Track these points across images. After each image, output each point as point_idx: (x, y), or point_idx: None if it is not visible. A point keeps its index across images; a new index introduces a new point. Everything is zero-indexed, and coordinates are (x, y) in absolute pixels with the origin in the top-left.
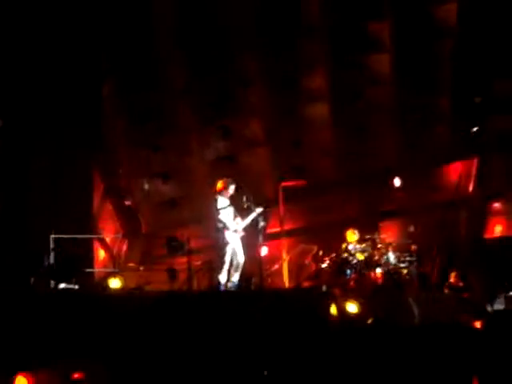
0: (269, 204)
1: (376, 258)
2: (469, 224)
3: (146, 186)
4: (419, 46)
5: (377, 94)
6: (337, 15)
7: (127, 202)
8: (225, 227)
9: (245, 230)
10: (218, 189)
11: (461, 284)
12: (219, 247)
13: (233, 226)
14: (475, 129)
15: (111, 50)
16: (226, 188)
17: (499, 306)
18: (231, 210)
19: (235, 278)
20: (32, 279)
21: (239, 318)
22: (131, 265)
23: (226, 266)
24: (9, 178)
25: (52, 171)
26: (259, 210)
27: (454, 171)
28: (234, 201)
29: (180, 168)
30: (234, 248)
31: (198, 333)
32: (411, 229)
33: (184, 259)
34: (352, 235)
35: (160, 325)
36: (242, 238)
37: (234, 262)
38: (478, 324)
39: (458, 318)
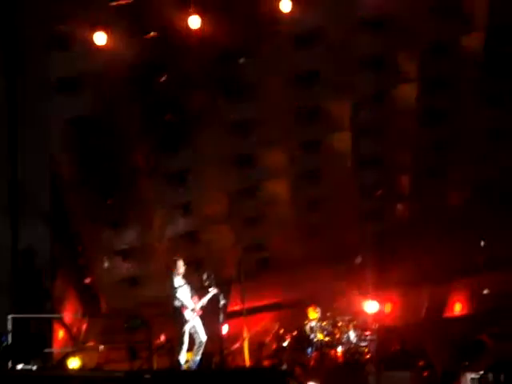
0: (230, 282)
1: (337, 336)
2: (430, 303)
3: (106, 264)
4: None
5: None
6: None
7: (87, 281)
8: (182, 306)
9: (203, 308)
10: (170, 268)
11: (421, 363)
12: (178, 326)
13: (190, 303)
14: None
15: None
16: (174, 267)
17: None
18: (187, 288)
19: (198, 356)
20: None
21: None
22: (91, 344)
23: (184, 346)
24: None
25: (10, 249)
26: (214, 290)
27: None
28: (191, 279)
29: (140, 245)
30: (195, 326)
31: None
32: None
33: (144, 337)
34: (313, 313)
35: None
36: (202, 317)
37: (197, 341)
38: None
39: None
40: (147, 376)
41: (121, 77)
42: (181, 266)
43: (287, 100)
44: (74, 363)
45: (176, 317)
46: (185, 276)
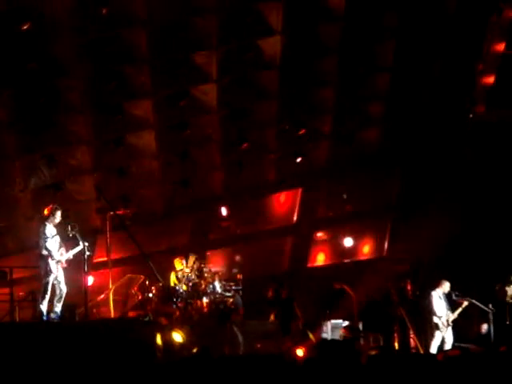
0: (95, 233)
1: (202, 286)
2: (293, 252)
3: None
4: (246, 78)
5: (203, 123)
6: (162, 45)
7: None
8: (49, 255)
9: (69, 260)
10: (44, 215)
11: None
12: (42, 276)
13: (57, 255)
14: (299, 159)
15: None
16: (52, 214)
17: (325, 334)
18: (57, 238)
19: (58, 308)
20: None
21: (64, 350)
22: None
23: (47, 296)
24: None
25: None
26: (85, 243)
27: (280, 200)
28: (60, 229)
29: (3, 197)
30: (57, 277)
31: (22, 365)
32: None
33: (6, 290)
34: (180, 264)
35: None
36: (66, 268)
37: (57, 292)
38: (300, 352)
39: (282, 345)
40: (12, 326)
41: None
42: (58, 216)
43: None
44: None
45: (41, 266)
46: (57, 226)
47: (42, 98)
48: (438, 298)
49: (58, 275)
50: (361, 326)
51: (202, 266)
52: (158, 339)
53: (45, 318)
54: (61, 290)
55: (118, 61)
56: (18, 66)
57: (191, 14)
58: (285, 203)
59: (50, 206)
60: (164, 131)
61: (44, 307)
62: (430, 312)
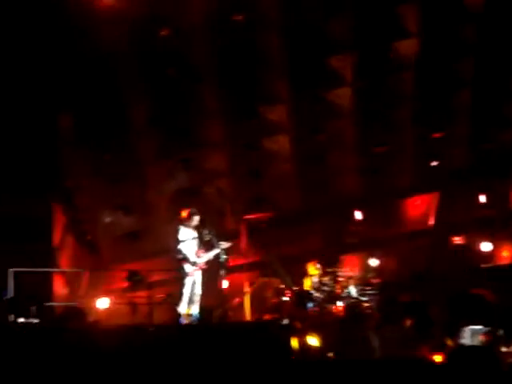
0: (231, 237)
1: (337, 291)
2: (429, 256)
3: (107, 219)
4: (381, 82)
5: (338, 127)
6: (298, 49)
7: (88, 236)
8: (184, 259)
9: (205, 263)
10: (181, 218)
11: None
12: (179, 279)
13: (193, 258)
14: (435, 163)
15: (69, 84)
16: (189, 217)
17: (465, 341)
18: (194, 242)
19: (195, 311)
20: None
21: (201, 352)
22: (91, 298)
23: (184, 298)
24: None
25: (11, 206)
26: (225, 245)
27: (415, 204)
28: (196, 233)
29: (141, 200)
30: (194, 280)
31: (160, 367)
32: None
33: (145, 293)
34: (314, 269)
35: (121, 359)
36: (204, 271)
37: (194, 295)
38: (438, 358)
39: (419, 351)
40: (151, 329)
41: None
42: (195, 220)
43: None
44: (75, 316)
45: (178, 270)
46: (195, 229)
47: (180, 103)
48: None
49: (195, 278)
50: (502, 333)
51: (337, 270)
52: (294, 343)
53: (182, 320)
54: (197, 293)
55: (253, 66)
56: (157, 71)
57: (326, 18)
58: (420, 206)
59: (188, 209)
60: (299, 135)
61: (182, 310)
62: None
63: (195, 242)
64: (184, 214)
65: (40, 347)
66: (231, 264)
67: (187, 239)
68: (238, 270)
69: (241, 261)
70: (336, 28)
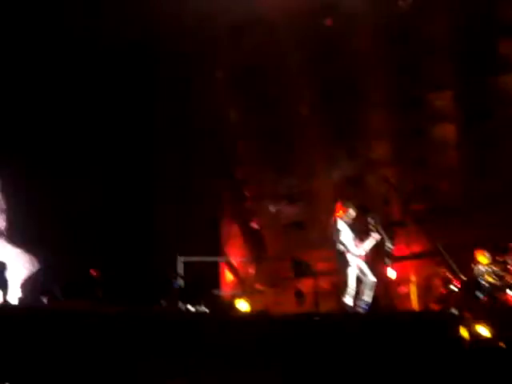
0: (395, 225)
1: (508, 280)
2: None
3: (273, 209)
4: None
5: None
6: (466, 35)
7: (254, 225)
8: (346, 249)
9: (367, 252)
10: (336, 212)
11: None
12: (341, 270)
13: (353, 249)
14: None
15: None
16: (344, 212)
17: None
18: (352, 232)
19: (368, 297)
20: (162, 301)
21: (368, 341)
22: (259, 287)
23: (350, 290)
24: (137, 202)
25: (180, 196)
26: (376, 235)
27: None
28: (358, 223)
29: (306, 190)
30: (362, 269)
31: (327, 355)
32: None
33: (310, 281)
34: (483, 257)
35: (287, 348)
36: (367, 261)
37: (366, 283)
38: None
39: None
40: (316, 318)
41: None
42: (350, 212)
43: None
44: (241, 305)
45: (339, 260)
46: (354, 220)
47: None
48: None
49: (361, 268)
50: None
51: (507, 258)
52: (464, 332)
53: (350, 310)
54: (369, 281)
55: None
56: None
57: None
58: None
59: (340, 203)
60: (465, 122)
61: (348, 300)
62: None
63: (353, 232)
64: (339, 211)
65: (209, 335)
66: (397, 253)
67: (345, 230)
68: (404, 259)
69: (407, 250)
70: (507, 11)
